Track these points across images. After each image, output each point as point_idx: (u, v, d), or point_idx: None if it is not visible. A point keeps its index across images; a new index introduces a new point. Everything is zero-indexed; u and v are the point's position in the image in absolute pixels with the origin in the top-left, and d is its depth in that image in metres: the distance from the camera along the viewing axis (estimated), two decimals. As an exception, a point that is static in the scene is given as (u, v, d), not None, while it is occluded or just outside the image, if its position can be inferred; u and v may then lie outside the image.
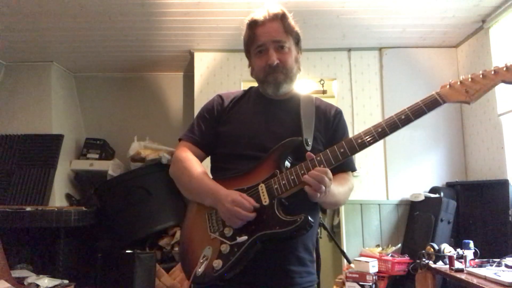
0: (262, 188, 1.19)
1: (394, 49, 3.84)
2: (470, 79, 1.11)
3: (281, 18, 1.32)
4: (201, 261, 1.16)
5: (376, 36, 3.63)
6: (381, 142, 3.67)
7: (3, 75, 4.06)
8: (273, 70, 1.30)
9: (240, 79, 3.85)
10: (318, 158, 1.17)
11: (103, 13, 3.12)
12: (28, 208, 3.16)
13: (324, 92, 4.05)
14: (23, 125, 3.85)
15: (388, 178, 3.68)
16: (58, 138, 3.79)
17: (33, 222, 3.07)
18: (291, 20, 1.34)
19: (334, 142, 1.31)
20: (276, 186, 1.17)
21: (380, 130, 1.15)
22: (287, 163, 1.23)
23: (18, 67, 4.05)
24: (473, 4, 3.03)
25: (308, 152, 1.19)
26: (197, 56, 3.91)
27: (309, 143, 1.25)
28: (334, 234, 3.86)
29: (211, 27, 3.43)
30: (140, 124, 4.32)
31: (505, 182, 2.94)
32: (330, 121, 1.37)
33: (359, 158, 3.70)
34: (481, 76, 1.10)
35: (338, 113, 1.41)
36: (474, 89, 1.10)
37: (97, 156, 4.04)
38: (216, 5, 3.06)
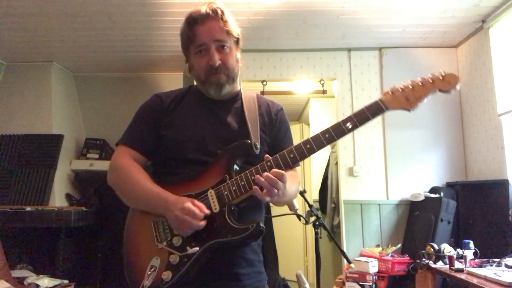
0: (211, 194, 1.16)
1: (394, 49, 3.84)
2: (411, 87, 1.14)
3: (221, 16, 1.27)
4: (149, 273, 1.11)
5: (376, 36, 3.63)
6: (381, 142, 3.72)
7: (3, 75, 4.06)
8: (215, 71, 1.27)
9: (239, 79, 3.84)
10: (268, 164, 1.15)
11: (103, 13, 3.12)
12: (28, 208, 3.17)
13: (324, 92, 4.05)
14: (23, 125, 3.85)
15: (388, 178, 3.68)
16: (58, 138, 3.79)
17: (33, 222, 3.07)
18: (232, 19, 1.30)
19: (278, 140, 1.34)
20: (226, 193, 1.14)
21: (327, 135, 1.15)
22: (236, 167, 1.20)
23: (18, 67, 4.05)
24: (473, 4, 3.03)
25: (266, 155, 1.17)
26: (197, 56, 3.91)
27: (258, 147, 1.23)
28: (334, 234, 3.87)
29: (211, 27, 3.42)
30: (140, 124, 4.30)
31: (505, 182, 2.94)
32: (272, 120, 1.36)
33: (359, 159, 3.71)
34: (420, 84, 1.14)
35: (280, 111, 1.40)
36: (414, 96, 1.13)
37: (97, 156, 4.04)
38: (216, 5, 3.06)
